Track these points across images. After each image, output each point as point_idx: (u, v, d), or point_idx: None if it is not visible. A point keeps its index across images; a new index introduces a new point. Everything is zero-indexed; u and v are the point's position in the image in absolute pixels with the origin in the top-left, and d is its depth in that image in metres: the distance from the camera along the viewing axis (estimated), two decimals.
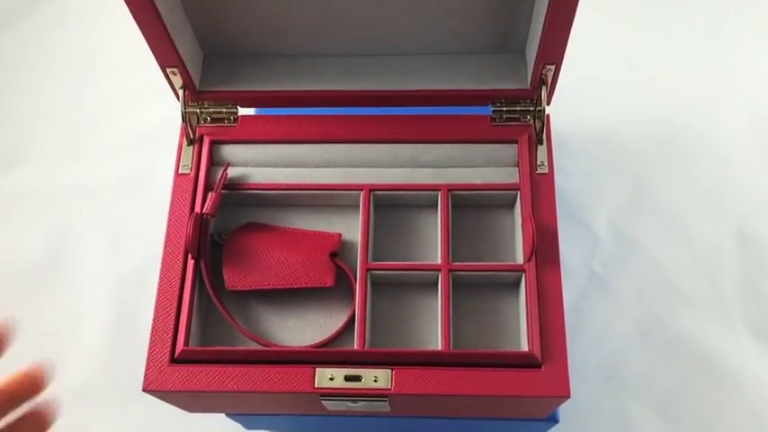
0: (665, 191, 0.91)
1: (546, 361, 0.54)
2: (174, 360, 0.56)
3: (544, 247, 0.58)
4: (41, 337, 0.86)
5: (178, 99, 0.63)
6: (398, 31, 0.63)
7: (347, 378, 0.54)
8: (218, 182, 0.62)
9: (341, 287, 0.60)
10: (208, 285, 0.59)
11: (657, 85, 0.98)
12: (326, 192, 0.63)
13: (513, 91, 0.63)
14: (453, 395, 0.53)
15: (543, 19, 0.55)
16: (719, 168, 0.92)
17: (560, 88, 0.62)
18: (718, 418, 0.79)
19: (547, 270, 0.57)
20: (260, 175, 0.64)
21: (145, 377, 0.55)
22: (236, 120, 0.65)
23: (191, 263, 0.59)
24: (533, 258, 0.57)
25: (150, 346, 0.56)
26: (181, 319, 0.57)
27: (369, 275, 0.59)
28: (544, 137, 0.62)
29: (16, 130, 1.00)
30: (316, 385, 0.54)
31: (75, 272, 0.90)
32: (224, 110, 0.64)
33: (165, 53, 0.59)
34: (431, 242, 0.63)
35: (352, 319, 0.59)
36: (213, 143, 0.64)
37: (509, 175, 0.62)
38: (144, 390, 0.55)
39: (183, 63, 0.60)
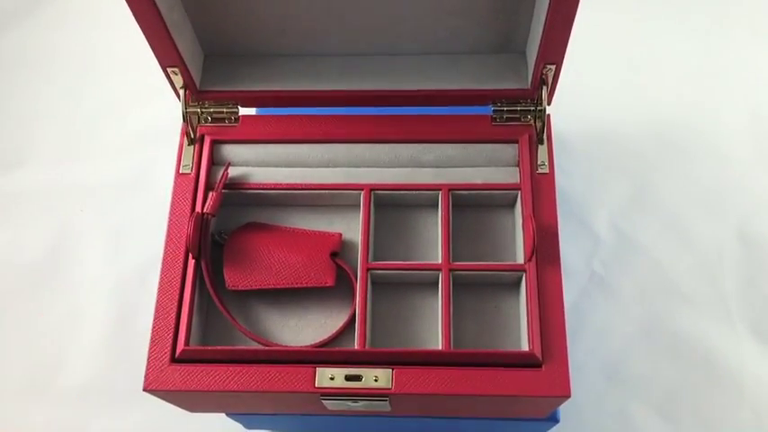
0: (666, 191, 0.91)
1: (546, 361, 0.54)
2: (174, 360, 0.56)
3: (545, 247, 0.58)
4: (42, 337, 0.86)
5: (179, 99, 0.63)
6: (399, 31, 0.63)
7: (348, 378, 0.54)
8: (218, 181, 0.62)
9: (341, 287, 0.60)
10: (208, 285, 0.59)
11: (658, 85, 0.98)
12: (327, 191, 0.63)
13: (514, 91, 0.63)
14: (454, 395, 0.53)
15: (544, 19, 0.55)
16: (720, 168, 0.92)
17: (561, 88, 0.62)
18: (718, 417, 0.79)
19: (547, 270, 0.57)
20: (261, 175, 0.64)
21: (145, 377, 0.55)
22: (236, 119, 0.65)
23: (191, 262, 0.59)
24: (534, 258, 0.57)
25: (151, 345, 0.56)
26: (181, 319, 0.57)
27: (369, 275, 0.59)
28: (545, 137, 0.62)
29: (17, 130, 1.00)
30: (316, 385, 0.54)
31: (75, 272, 0.90)
32: (225, 110, 0.64)
33: (166, 52, 0.59)
34: (431, 242, 0.63)
35: (352, 319, 0.59)
36: (214, 143, 0.64)
37: (510, 175, 0.62)
38: (144, 389, 0.55)
39: (183, 63, 0.60)
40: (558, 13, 0.54)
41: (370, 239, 0.60)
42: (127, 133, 0.98)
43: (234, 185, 0.63)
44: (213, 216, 0.61)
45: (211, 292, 0.59)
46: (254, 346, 0.58)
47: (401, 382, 0.54)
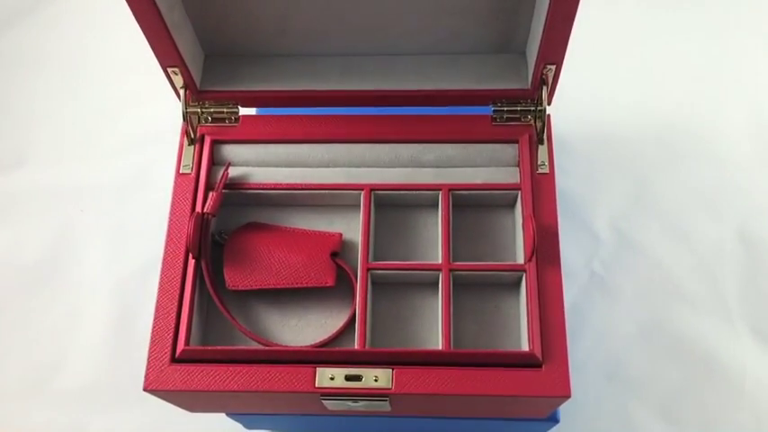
0: (666, 191, 0.91)
1: (546, 361, 0.54)
2: (174, 360, 0.56)
3: (545, 247, 0.58)
4: (42, 337, 0.86)
5: (179, 99, 0.63)
6: (399, 31, 0.63)
7: (348, 378, 0.54)
8: (218, 181, 0.62)
9: (341, 287, 0.60)
10: (209, 285, 0.59)
11: (658, 86, 0.98)
12: (327, 191, 0.63)
13: (514, 91, 0.63)
14: (454, 395, 0.53)
15: (544, 19, 0.55)
16: (720, 169, 0.92)
17: (561, 88, 0.62)
18: (718, 418, 0.79)
19: (547, 270, 0.57)
20: (261, 175, 0.64)
21: (145, 377, 0.55)
22: (236, 120, 0.65)
23: (191, 262, 0.59)
24: (534, 258, 0.57)
25: (151, 345, 0.56)
26: (181, 319, 0.57)
27: (369, 275, 0.59)
28: (545, 137, 0.62)
29: (17, 130, 1.00)
30: (316, 385, 0.54)
31: (75, 272, 0.90)
32: (225, 110, 0.64)
33: (166, 52, 0.59)
34: (431, 242, 0.63)
35: (352, 319, 0.59)
36: (214, 143, 0.64)
37: (510, 175, 0.62)
38: (145, 389, 0.55)
39: (183, 62, 0.60)
40: (558, 13, 0.54)
41: (371, 239, 0.60)
42: (127, 133, 0.98)
43: (234, 185, 0.63)
44: (213, 216, 0.61)
45: (211, 292, 0.59)
46: (255, 346, 0.58)
47: (401, 382, 0.54)
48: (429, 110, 0.65)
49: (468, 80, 0.64)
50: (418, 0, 0.60)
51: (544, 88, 0.60)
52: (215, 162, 0.64)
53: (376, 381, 0.54)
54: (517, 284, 0.60)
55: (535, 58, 0.59)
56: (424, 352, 0.55)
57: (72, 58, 1.05)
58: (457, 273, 0.59)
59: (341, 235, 0.63)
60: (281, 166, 0.64)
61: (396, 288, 0.61)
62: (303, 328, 0.60)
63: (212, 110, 0.64)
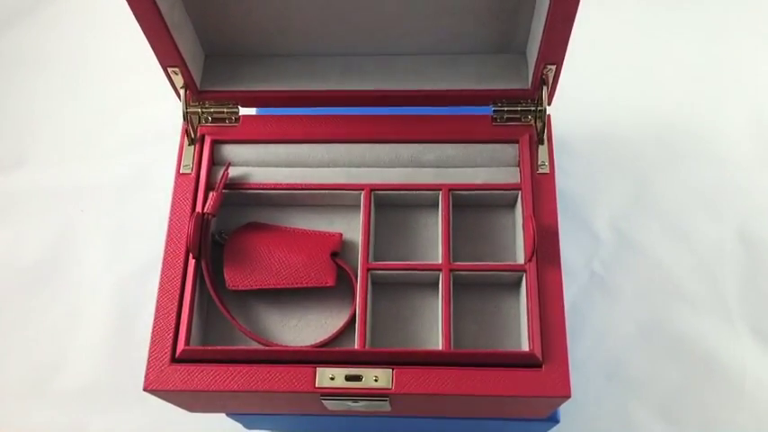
0: (666, 191, 0.91)
1: (546, 361, 0.54)
2: (174, 359, 0.56)
3: (545, 247, 0.58)
4: (42, 337, 0.86)
5: (179, 99, 0.63)
6: (399, 31, 0.63)
7: (348, 378, 0.54)
8: (219, 181, 0.62)
9: (342, 287, 0.60)
10: (209, 285, 0.59)
11: (658, 86, 0.98)
12: (327, 191, 0.63)
13: (514, 91, 0.63)
14: (454, 395, 0.53)
15: (544, 19, 0.55)
16: (720, 169, 0.92)
17: (561, 88, 0.62)
18: (718, 418, 0.79)
19: (547, 270, 0.57)
20: (261, 175, 0.64)
21: (145, 377, 0.55)
22: (237, 120, 0.65)
23: (192, 262, 0.59)
24: (534, 258, 0.57)
25: (151, 345, 0.56)
26: (182, 319, 0.57)
27: (369, 275, 0.59)
28: (545, 137, 0.62)
29: (17, 130, 1.00)
30: (316, 385, 0.54)
31: (75, 272, 0.90)
32: (225, 110, 0.64)
33: (166, 52, 0.59)
34: (431, 242, 0.63)
35: (352, 319, 0.59)
36: (214, 143, 0.64)
37: (510, 175, 0.62)
38: (145, 389, 0.55)
39: (184, 62, 0.60)
40: (558, 14, 0.54)
41: (371, 239, 0.60)
42: (127, 133, 0.98)
43: (234, 185, 0.63)
44: (213, 216, 0.61)
45: (212, 292, 0.59)
46: (255, 346, 0.58)
47: (401, 382, 0.54)
48: (429, 110, 0.65)
49: (468, 80, 0.64)
50: (419, 0, 0.60)
51: (544, 88, 0.60)
52: (215, 162, 0.64)
53: (376, 381, 0.54)
54: (517, 284, 0.60)
55: (535, 59, 0.59)
56: (425, 352, 0.55)
57: (72, 58, 1.05)
58: (457, 273, 0.59)
59: (341, 235, 0.63)
60: (282, 166, 0.64)
61: (396, 288, 0.61)
62: (303, 328, 0.60)
63: (212, 110, 0.64)
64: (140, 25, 0.56)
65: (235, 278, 0.60)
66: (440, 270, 0.59)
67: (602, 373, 0.81)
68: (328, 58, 0.66)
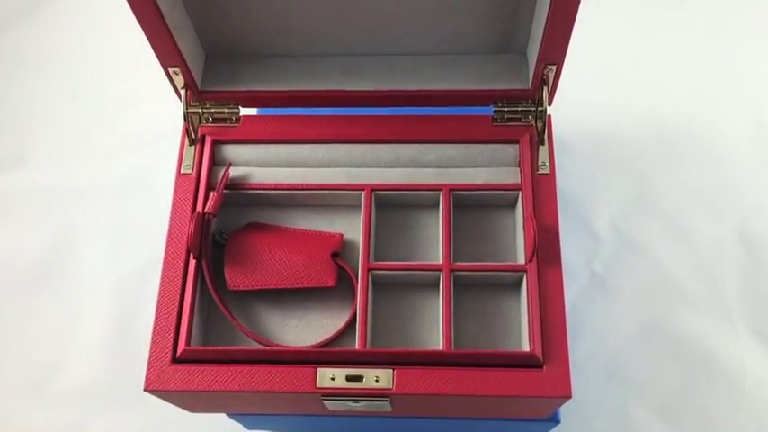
0: (666, 191, 0.91)
1: (547, 361, 0.54)
2: (175, 360, 0.56)
3: (545, 248, 0.58)
4: (42, 338, 0.86)
5: (180, 99, 0.63)
6: (400, 31, 0.63)
7: (348, 378, 0.54)
8: (219, 182, 0.62)
9: (342, 287, 0.60)
10: (209, 285, 0.59)
11: (659, 86, 0.98)
12: (328, 192, 0.63)
13: (515, 91, 0.63)
14: (454, 395, 0.53)
15: (545, 19, 0.55)
16: (720, 169, 0.92)
17: (561, 89, 0.62)
18: (718, 418, 0.79)
19: (548, 270, 0.57)
20: (262, 175, 0.64)
21: (146, 377, 0.55)
22: (237, 120, 0.65)
23: (192, 263, 0.59)
24: (535, 258, 0.57)
25: (152, 345, 0.56)
26: (182, 319, 0.57)
27: (370, 275, 0.59)
28: (545, 137, 0.62)
29: (18, 130, 1.00)
30: (317, 385, 0.54)
31: (76, 272, 0.90)
32: (225, 110, 0.64)
33: (167, 52, 0.59)
34: (432, 242, 0.63)
35: (353, 319, 0.59)
36: (215, 143, 0.64)
37: (510, 176, 0.62)
38: (145, 389, 0.55)
39: (184, 63, 0.60)
40: (558, 14, 0.54)
41: (371, 240, 0.60)
42: (127, 133, 0.98)
43: (235, 186, 0.63)
44: (214, 216, 0.61)
45: (212, 292, 0.59)
46: (255, 346, 0.58)
47: (402, 382, 0.54)
48: (430, 110, 0.65)
49: (468, 80, 0.64)
50: (419, 0, 0.60)
51: (545, 88, 0.60)
52: (216, 162, 0.64)
53: (377, 381, 0.54)
54: (518, 285, 0.60)
55: (536, 59, 0.59)
56: (425, 352, 0.55)
57: (72, 58, 1.05)
58: (457, 273, 0.59)
59: (341, 235, 0.63)
60: (282, 167, 0.64)
61: (396, 288, 0.61)
62: (304, 329, 0.60)
63: (213, 110, 0.64)
64: (141, 26, 0.56)
65: (235, 278, 0.60)
66: (440, 270, 0.59)
67: (603, 373, 0.81)
68: (329, 58, 0.66)
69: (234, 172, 0.64)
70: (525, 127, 0.63)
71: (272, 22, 0.63)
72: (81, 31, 1.07)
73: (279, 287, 0.60)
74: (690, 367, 0.81)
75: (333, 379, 0.54)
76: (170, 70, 0.61)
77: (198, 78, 0.64)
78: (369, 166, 0.64)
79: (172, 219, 0.61)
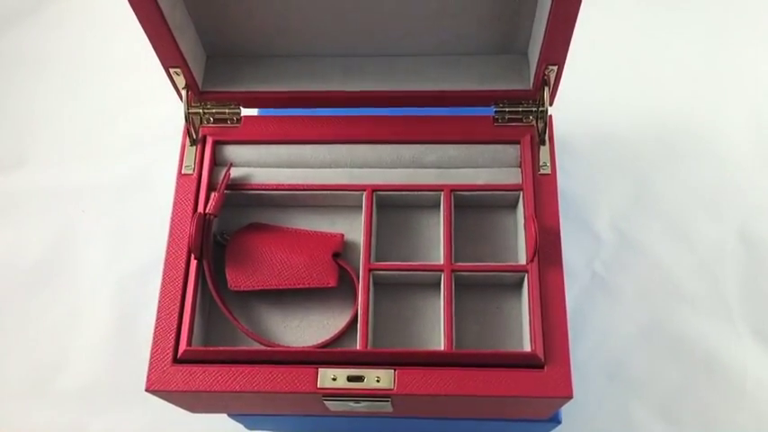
0: (667, 191, 0.91)
1: (548, 361, 0.54)
2: (176, 360, 0.56)
3: (547, 248, 0.58)
4: (42, 338, 0.86)
5: (181, 100, 0.63)
6: (401, 32, 0.63)
7: (350, 378, 0.54)
8: (220, 182, 0.62)
9: (343, 287, 0.60)
10: (210, 285, 0.59)
11: (660, 86, 0.98)
12: (329, 192, 0.63)
13: (516, 92, 0.63)
14: (456, 395, 0.53)
15: (546, 20, 0.55)
16: (721, 169, 0.92)
17: (562, 89, 0.62)
18: (719, 418, 0.79)
19: (549, 270, 0.57)
20: (263, 176, 0.64)
21: (147, 377, 0.55)
22: (238, 120, 0.65)
23: (193, 263, 0.59)
24: (536, 259, 0.57)
25: (153, 346, 0.56)
26: (183, 320, 0.57)
27: (371, 276, 0.59)
28: (546, 137, 0.62)
29: (18, 130, 1.00)
30: (318, 385, 0.54)
31: (77, 272, 0.90)
32: (227, 110, 0.64)
33: (168, 53, 0.59)
34: (433, 242, 0.63)
35: (354, 320, 0.59)
36: (216, 143, 0.64)
37: (512, 176, 0.62)
38: (146, 390, 0.55)
39: (185, 63, 0.60)
40: (559, 15, 0.54)
41: (372, 240, 0.60)
42: (128, 134, 0.98)
43: (236, 186, 0.63)
44: (215, 216, 0.61)
45: (213, 292, 0.59)
46: (256, 346, 0.58)
47: (403, 382, 0.54)
48: (431, 110, 0.65)
49: (469, 81, 0.64)
50: (420, 1, 0.60)
51: (546, 89, 0.60)
52: (217, 163, 0.64)
53: (378, 381, 0.54)
54: (519, 285, 0.60)
55: (537, 59, 0.59)
56: (426, 352, 0.55)
57: (72, 58, 1.05)
58: (459, 273, 0.59)
59: (343, 235, 0.63)
60: (283, 167, 0.64)
61: (398, 289, 0.61)
62: (305, 329, 0.60)
63: (214, 110, 0.64)
64: (142, 26, 0.56)
65: (237, 279, 0.60)
66: (441, 270, 0.59)
67: (604, 373, 0.81)
68: (329, 58, 0.66)
69: (235, 172, 0.64)
70: (526, 127, 0.63)
71: (273, 23, 0.63)
72: (81, 32, 1.07)
73: (280, 287, 0.60)
74: (690, 367, 0.81)
75: (334, 379, 0.54)
76: (171, 71, 0.61)
77: (199, 79, 0.64)
78: (370, 167, 0.64)
79: (173, 219, 0.61)
